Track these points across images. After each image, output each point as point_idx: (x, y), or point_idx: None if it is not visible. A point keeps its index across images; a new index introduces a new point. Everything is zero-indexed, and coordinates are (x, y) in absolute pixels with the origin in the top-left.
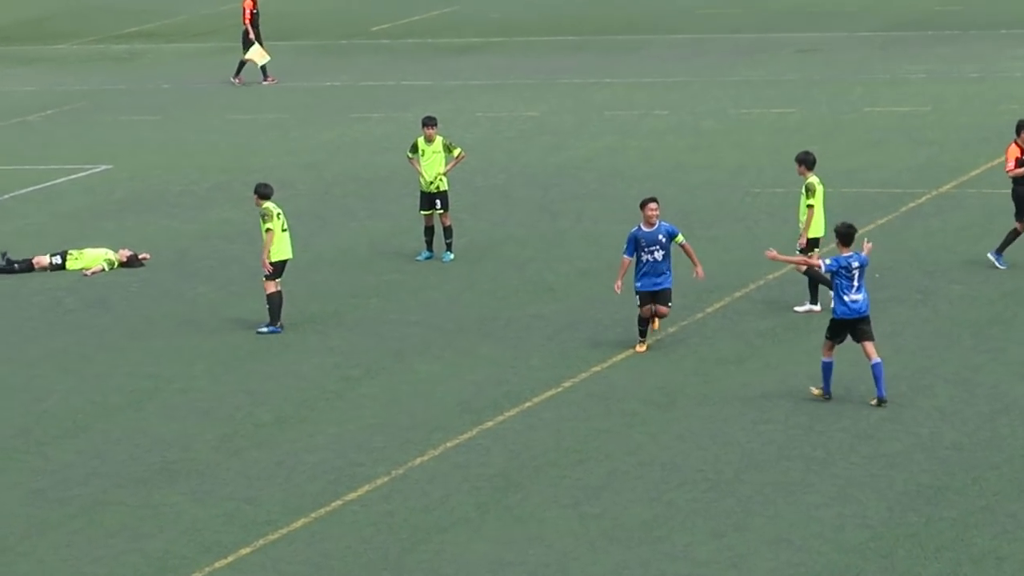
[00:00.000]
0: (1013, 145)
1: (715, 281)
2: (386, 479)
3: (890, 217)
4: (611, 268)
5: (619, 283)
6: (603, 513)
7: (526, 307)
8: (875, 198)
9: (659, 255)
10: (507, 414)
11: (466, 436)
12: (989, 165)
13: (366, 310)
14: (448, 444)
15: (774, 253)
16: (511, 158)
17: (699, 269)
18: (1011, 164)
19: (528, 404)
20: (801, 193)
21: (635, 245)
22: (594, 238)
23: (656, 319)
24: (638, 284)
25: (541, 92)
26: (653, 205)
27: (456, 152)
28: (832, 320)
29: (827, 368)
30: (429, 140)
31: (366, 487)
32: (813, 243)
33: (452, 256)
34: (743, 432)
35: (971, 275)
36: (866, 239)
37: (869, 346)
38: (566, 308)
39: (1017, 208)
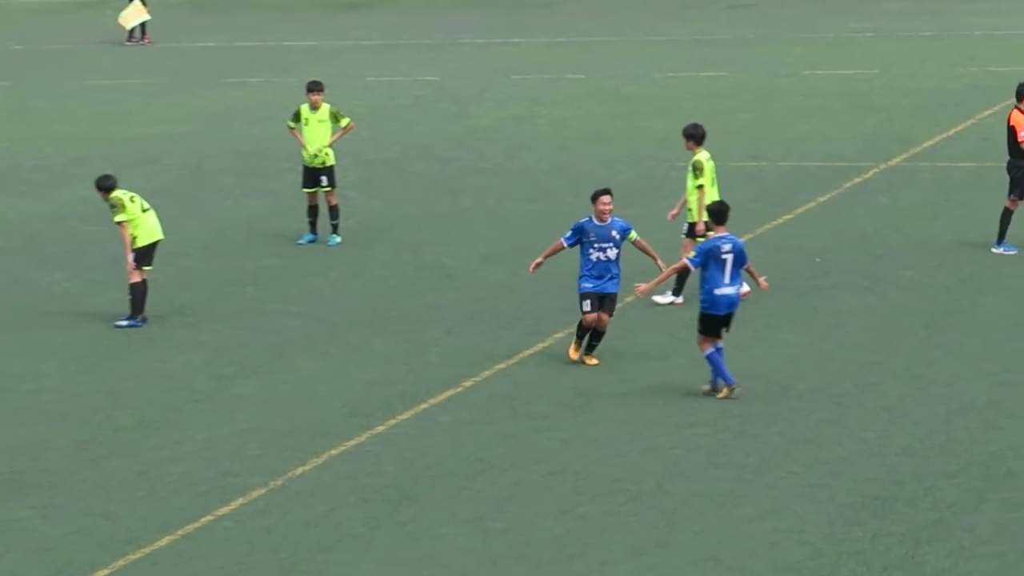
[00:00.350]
0: (1016, 112)
1: (635, 266)
2: (263, 491)
3: (833, 194)
4: (518, 252)
5: (540, 261)
6: (508, 529)
7: (422, 296)
8: (816, 172)
9: (612, 253)
10: (400, 417)
11: (354, 442)
12: (945, 135)
13: (241, 300)
14: (333, 452)
15: (643, 287)
16: (406, 128)
17: (659, 262)
18: None
19: (424, 406)
20: (688, 172)
21: (580, 236)
22: (499, 218)
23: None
24: (586, 285)
25: (440, 53)
26: (606, 198)
27: (344, 122)
28: (702, 315)
29: (713, 359)
30: (314, 108)
31: (240, 500)
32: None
33: (339, 239)
34: (667, 437)
35: (924, 259)
36: (763, 277)
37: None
38: (467, 297)
39: (1013, 183)
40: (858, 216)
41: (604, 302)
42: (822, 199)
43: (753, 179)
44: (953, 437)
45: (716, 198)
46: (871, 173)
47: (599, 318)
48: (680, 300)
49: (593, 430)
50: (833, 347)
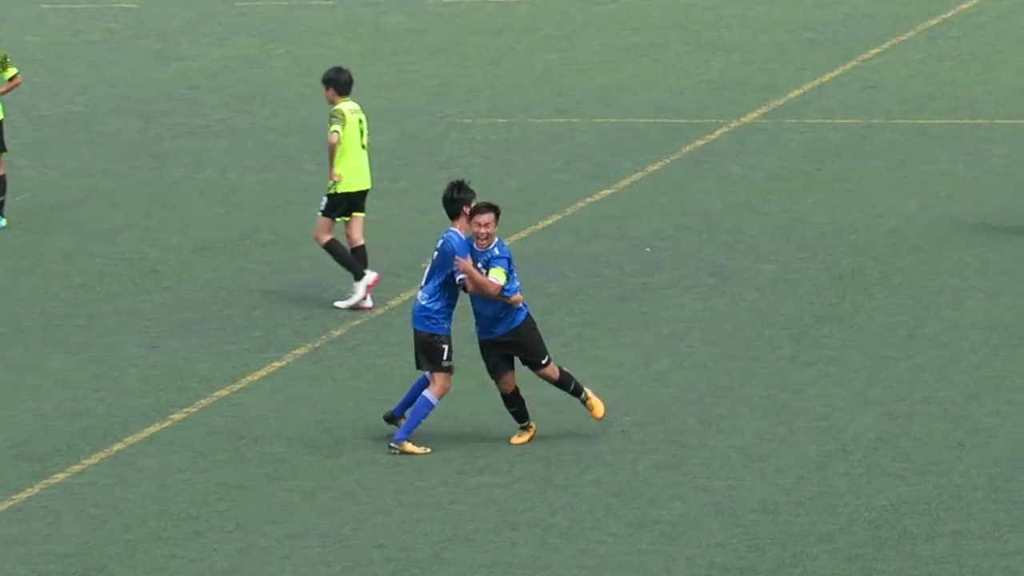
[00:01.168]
0: None
1: (406, 259)
2: None
3: (668, 161)
4: (246, 240)
5: (428, 262)
6: None
7: (117, 299)
8: (645, 132)
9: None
10: (87, 462)
11: (23, 496)
12: (818, 82)
13: None
14: None
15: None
16: (94, 72)
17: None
18: None
19: (119, 446)
20: (327, 125)
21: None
22: (220, 194)
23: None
24: (483, 334)
25: None
26: (487, 218)
27: (10, 73)
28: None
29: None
30: None
31: None
32: (348, 200)
33: (4, 222)
34: (446, 487)
35: (790, 249)
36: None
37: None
38: (178, 300)
39: None
40: (702, 191)
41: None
42: (653, 168)
43: (560, 141)
44: (830, 487)
45: (361, 163)
46: (718, 133)
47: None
48: (369, 304)
49: (346, 479)
50: (668, 366)
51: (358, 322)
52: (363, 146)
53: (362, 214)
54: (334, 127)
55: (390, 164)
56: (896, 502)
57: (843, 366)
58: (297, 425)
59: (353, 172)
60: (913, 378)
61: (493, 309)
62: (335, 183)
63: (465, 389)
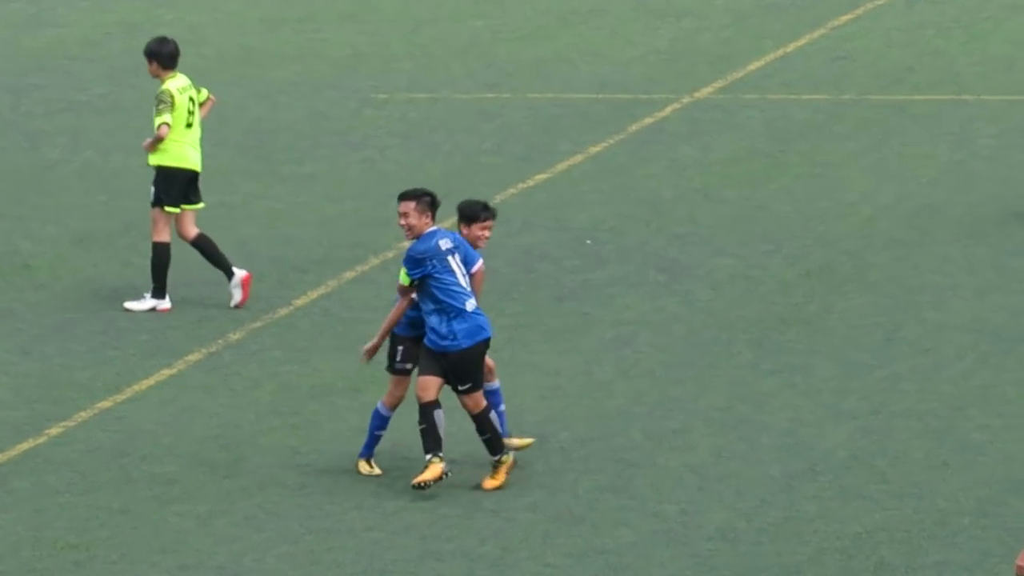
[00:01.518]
0: None
1: (314, 253)
2: None
3: (610, 142)
4: (131, 230)
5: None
6: None
7: None
8: (585, 109)
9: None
10: None
11: None
12: (782, 52)
13: None
14: None
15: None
16: None
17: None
18: None
19: None
20: (153, 111)
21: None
22: (101, 179)
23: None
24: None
25: None
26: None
27: None
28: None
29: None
30: None
31: None
32: (180, 180)
33: None
34: (360, 512)
35: (750, 241)
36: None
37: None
38: (54, 299)
39: None
40: (650, 176)
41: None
42: (594, 150)
43: (490, 119)
44: (796, 512)
45: (187, 144)
46: (669, 110)
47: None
48: (167, 304)
49: (247, 502)
50: (613, 375)
51: (259, 324)
52: (189, 125)
53: (195, 206)
54: (163, 117)
55: (295, 145)
56: (872, 529)
57: (811, 374)
58: (190, 441)
59: (183, 148)
60: (891, 388)
61: None
62: (154, 155)
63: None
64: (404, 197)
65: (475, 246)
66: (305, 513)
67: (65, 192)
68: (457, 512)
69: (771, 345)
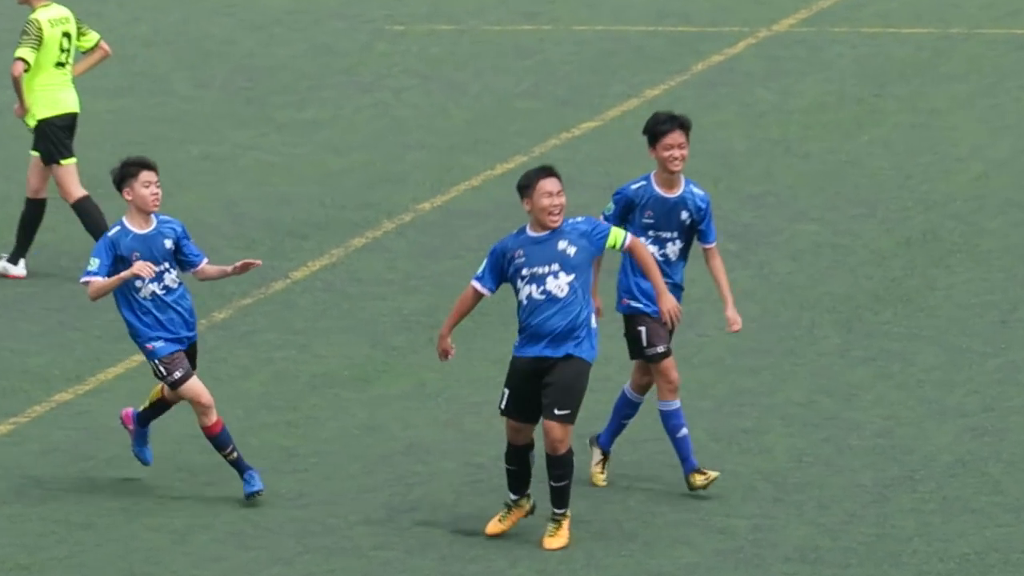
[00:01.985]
0: None
1: (315, 215)
2: None
3: (670, 84)
4: (96, 185)
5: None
6: None
7: None
8: (640, 44)
9: (563, 284)
10: None
11: None
12: None
13: None
14: None
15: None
16: None
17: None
18: None
19: None
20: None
21: (501, 269)
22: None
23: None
24: (519, 351)
25: None
26: (552, 183)
27: None
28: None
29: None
30: None
31: None
32: (54, 126)
33: None
34: (369, 527)
35: (838, 203)
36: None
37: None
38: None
39: None
40: (718, 124)
41: (547, 387)
42: (651, 93)
43: (527, 55)
44: (891, 528)
45: (67, 91)
46: (741, 46)
47: (545, 432)
48: (21, 271)
49: (232, 515)
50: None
51: (249, 301)
52: (61, 64)
53: (66, 162)
54: (23, 49)
55: (294, 86)
56: (982, 549)
57: (910, 363)
58: (165, 441)
59: (52, 92)
60: (1006, 380)
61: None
62: (30, 115)
63: (395, 393)
64: (553, 174)
65: (668, 170)
66: (302, 527)
67: (15, 145)
68: (480, 528)
69: (862, 328)
